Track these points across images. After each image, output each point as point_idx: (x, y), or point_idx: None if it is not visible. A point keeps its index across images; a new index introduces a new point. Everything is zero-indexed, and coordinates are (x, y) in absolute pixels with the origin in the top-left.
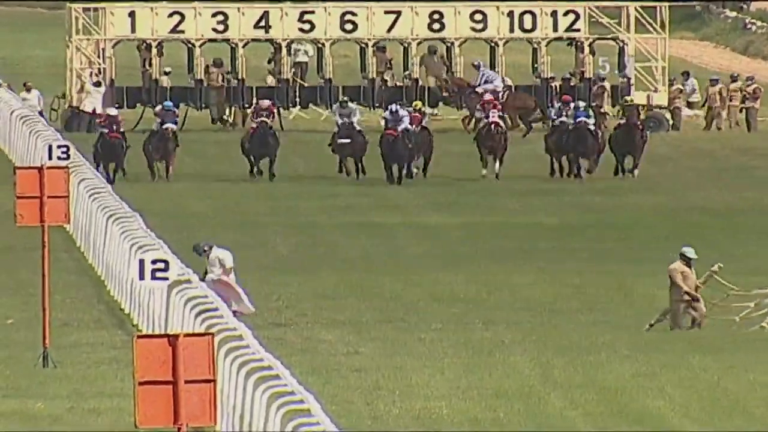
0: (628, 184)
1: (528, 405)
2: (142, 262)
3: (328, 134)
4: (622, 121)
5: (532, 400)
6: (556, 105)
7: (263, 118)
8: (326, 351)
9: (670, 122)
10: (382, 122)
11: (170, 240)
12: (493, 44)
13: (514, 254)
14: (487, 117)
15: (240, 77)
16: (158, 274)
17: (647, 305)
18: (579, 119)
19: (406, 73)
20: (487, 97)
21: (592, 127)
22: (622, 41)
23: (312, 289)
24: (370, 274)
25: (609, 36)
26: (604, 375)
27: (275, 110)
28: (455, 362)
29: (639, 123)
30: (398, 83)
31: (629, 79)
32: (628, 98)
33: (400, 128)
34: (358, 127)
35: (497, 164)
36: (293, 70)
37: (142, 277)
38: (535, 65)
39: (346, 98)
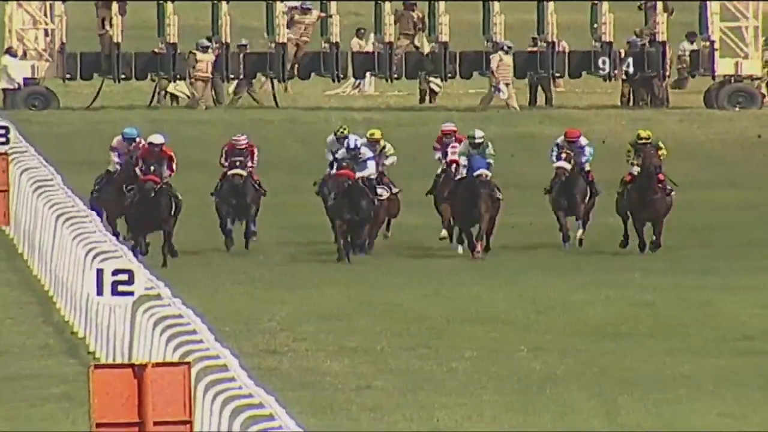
0: (708, 177)
1: None
2: (100, 273)
3: (332, 111)
4: (635, 171)
5: None
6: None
7: (237, 170)
8: (331, 385)
9: (766, 97)
10: (330, 156)
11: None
12: (541, 0)
13: (567, 264)
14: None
15: (224, 41)
16: (120, 288)
17: (735, 328)
18: (478, 170)
19: (432, 36)
20: (447, 126)
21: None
22: None
23: (314, 307)
24: (386, 289)
25: None
26: (683, 416)
27: (255, 150)
28: (495, 399)
29: (658, 168)
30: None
31: (713, 42)
32: (642, 133)
33: (359, 174)
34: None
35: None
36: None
37: (100, 291)
38: (594, 26)
39: (345, 128)
